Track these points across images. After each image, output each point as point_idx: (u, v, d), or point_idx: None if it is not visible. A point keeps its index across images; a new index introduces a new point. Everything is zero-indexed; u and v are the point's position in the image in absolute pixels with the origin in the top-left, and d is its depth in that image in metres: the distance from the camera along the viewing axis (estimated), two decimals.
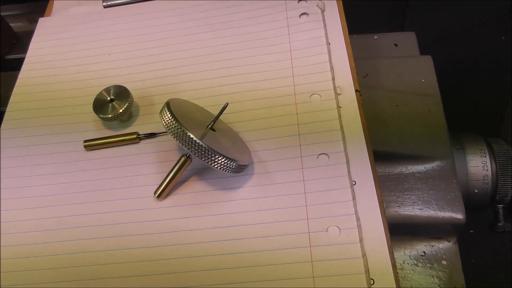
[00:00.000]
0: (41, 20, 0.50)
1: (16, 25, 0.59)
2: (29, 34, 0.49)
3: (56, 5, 0.51)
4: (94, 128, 0.41)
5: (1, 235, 0.36)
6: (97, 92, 0.40)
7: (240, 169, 0.33)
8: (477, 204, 0.47)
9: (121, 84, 0.40)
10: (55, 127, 0.42)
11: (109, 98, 0.40)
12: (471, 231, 0.61)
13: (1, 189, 0.39)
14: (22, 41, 0.54)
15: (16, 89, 0.45)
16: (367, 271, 0.30)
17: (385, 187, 0.42)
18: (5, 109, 0.43)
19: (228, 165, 0.32)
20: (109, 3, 0.49)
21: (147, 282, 0.33)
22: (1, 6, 0.59)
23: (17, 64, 0.47)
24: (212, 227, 0.34)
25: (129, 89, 0.40)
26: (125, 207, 0.36)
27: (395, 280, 0.30)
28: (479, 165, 0.46)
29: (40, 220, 0.36)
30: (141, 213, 0.36)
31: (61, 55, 0.46)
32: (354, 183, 0.34)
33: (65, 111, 0.42)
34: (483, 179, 0.46)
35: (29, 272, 0.34)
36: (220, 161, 0.32)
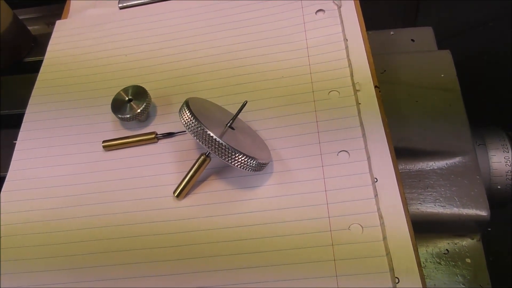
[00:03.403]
0: (58, 23, 0.50)
1: (34, 28, 0.60)
2: (47, 37, 0.49)
3: (72, 8, 0.52)
4: (113, 128, 0.41)
5: (20, 235, 0.37)
6: (115, 93, 0.40)
7: (260, 167, 0.33)
8: (500, 200, 0.46)
9: (139, 84, 0.41)
10: (74, 128, 0.42)
11: (127, 98, 0.40)
12: (489, 229, 0.59)
13: (21, 190, 0.39)
14: (40, 44, 0.55)
15: (35, 91, 0.45)
16: (391, 269, 0.30)
17: (406, 184, 0.41)
18: (25, 111, 0.44)
19: (248, 163, 0.32)
20: (125, 4, 0.50)
21: (167, 280, 0.33)
22: (19, 10, 0.59)
23: (36, 67, 0.47)
24: (231, 226, 0.34)
25: (147, 89, 0.40)
26: (145, 207, 0.36)
27: (420, 279, 0.29)
28: (501, 161, 0.45)
29: (60, 221, 0.37)
30: (160, 213, 0.36)
31: (79, 56, 0.47)
32: (376, 180, 0.34)
33: (83, 112, 0.43)
34: (506, 174, 0.45)
35: (47, 271, 0.35)
36: (240, 159, 0.31)
